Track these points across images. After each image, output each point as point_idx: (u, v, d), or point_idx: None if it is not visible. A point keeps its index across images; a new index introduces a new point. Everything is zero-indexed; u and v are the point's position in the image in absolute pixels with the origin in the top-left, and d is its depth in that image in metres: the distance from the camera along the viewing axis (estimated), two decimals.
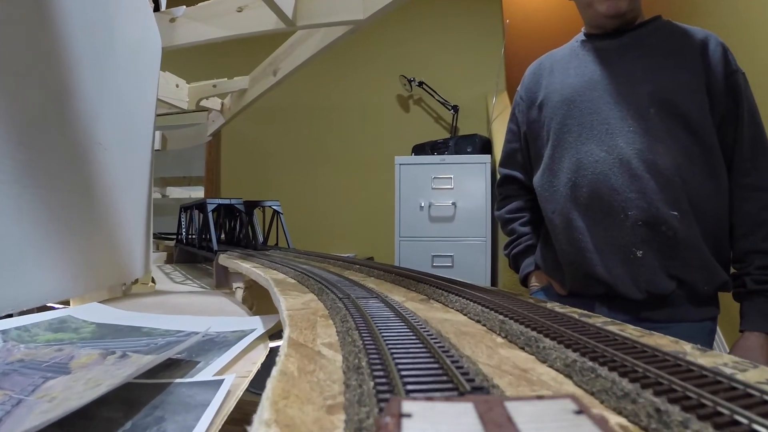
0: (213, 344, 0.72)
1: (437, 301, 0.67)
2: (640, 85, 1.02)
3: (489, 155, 2.72)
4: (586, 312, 0.60)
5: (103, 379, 0.56)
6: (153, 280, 1.54)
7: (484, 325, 0.52)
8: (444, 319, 0.55)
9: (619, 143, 1.01)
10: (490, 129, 3.03)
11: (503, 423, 0.20)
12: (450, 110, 3.17)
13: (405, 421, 0.20)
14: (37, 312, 0.99)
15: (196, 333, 0.78)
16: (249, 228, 1.56)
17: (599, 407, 0.31)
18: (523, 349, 0.44)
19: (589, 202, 1.03)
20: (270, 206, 1.69)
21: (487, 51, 3.23)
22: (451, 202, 2.65)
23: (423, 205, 2.66)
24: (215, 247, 1.43)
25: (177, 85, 2.01)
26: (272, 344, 0.71)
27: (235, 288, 1.12)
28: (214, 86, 2.04)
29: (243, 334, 0.76)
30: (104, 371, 0.60)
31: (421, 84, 3.17)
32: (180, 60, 3.33)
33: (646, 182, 0.98)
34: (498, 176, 1.38)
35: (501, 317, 0.51)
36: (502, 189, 1.36)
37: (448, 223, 2.65)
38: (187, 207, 1.81)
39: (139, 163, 1.27)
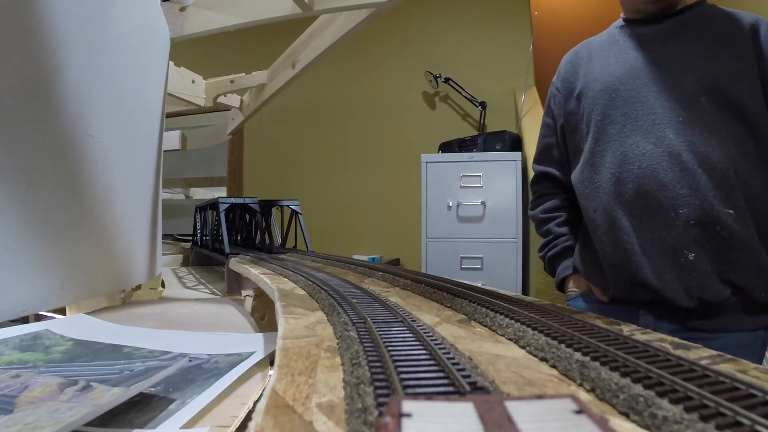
0: (200, 372, 0.57)
1: (480, 323, 0.51)
2: (687, 72, 0.93)
3: (519, 152, 2.55)
4: (682, 342, 0.43)
5: (42, 426, 0.42)
6: (163, 284, 1.41)
7: (554, 367, 0.36)
8: (495, 355, 0.39)
9: (668, 134, 0.91)
10: (519, 125, 2.85)
11: (503, 423, 0.19)
12: (477, 107, 2.99)
13: (405, 421, 0.19)
14: (20, 323, 0.85)
15: (184, 355, 0.63)
16: (264, 229, 1.42)
17: None
18: (627, 416, 0.28)
19: (635, 199, 0.93)
20: (288, 206, 1.54)
21: (514, 45, 3.05)
22: (480, 202, 2.48)
23: (451, 204, 2.49)
24: (227, 249, 1.29)
25: (193, 81, 1.88)
26: (273, 372, 0.56)
27: (245, 296, 0.98)
28: (232, 82, 1.90)
29: (239, 359, 0.61)
30: (51, 412, 0.46)
31: (447, 80, 3.00)
32: (197, 56, 3.22)
33: (698, 177, 0.88)
34: (532, 174, 1.27)
35: (578, 356, 0.35)
36: (537, 187, 1.26)
37: (477, 223, 2.48)
38: (202, 207, 1.68)
39: (142, 160, 1.13)
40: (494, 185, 2.50)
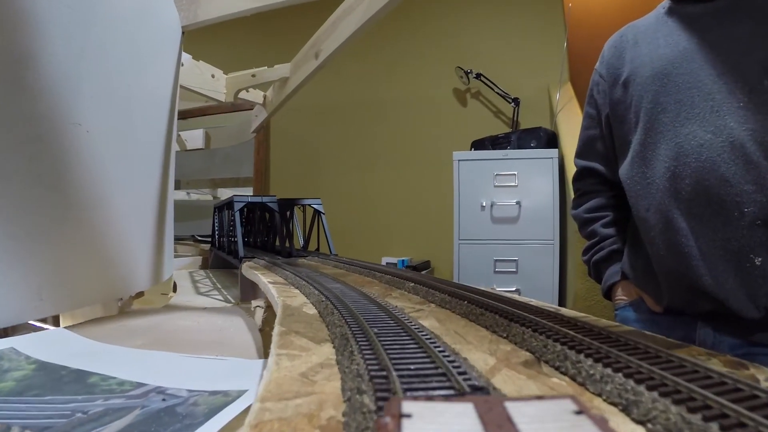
0: (171, 418, 0.42)
1: (557, 369, 0.34)
2: (746, 53, 0.83)
3: (556, 149, 2.36)
4: None
5: None
6: (175, 288, 1.27)
7: None
8: None
9: (729, 123, 0.81)
10: (554, 122, 2.66)
11: (503, 423, 0.19)
12: (510, 103, 2.80)
13: (405, 422, 0.19)
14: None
15: (160, 391, 0.48)
16: (283, 230, 1.26)
17: None
18: None
19: (694, 196, 0.83)
20: (310, 205, 1.39)
21: (548, 39, 2.85)
22: (515, 201, 2.29)
23: (484, 204, 2.31)
24: (240, 252, 1.14)
25: (213, 76, 1.74)
26: None
27: (254, 307, 0.82)
28: (253, 76, 1.76)
29: (223, 401, 0.45)
30: None
31: (478, 76, 2.82)
32: (217, 50, 3.10)
33: (764, 171, 0.78)
34: (569, 171, 1.12)
35: None
36: (580, 184, 1.14)
37: (512, 224, 2.30)
38: (220, 207, 1.54)
39: (146, 155, 0.99)
40: (530, 184, 2.32)
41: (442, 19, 3.02)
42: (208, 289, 1.24)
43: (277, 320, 0.48)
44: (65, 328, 0.75)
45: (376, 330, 0.39)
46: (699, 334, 0.86)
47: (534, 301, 0.57)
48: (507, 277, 2.27)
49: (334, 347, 0.38)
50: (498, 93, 2.82)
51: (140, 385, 0.51)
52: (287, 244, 1.24)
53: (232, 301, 1.10)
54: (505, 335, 0.43)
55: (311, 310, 0.53)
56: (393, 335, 0.38)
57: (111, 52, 0.87)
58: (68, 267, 0.77)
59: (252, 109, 2.26)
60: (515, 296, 0.62)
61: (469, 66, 2.85)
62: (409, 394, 0.26)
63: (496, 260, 2.27)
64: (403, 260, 2.69)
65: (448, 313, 0.54)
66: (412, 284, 0.68)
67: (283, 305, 0.55)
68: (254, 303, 0.85)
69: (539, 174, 2.32)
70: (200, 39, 3.53)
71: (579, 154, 1.13)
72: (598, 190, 1.10)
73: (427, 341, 0.36)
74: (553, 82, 2.79)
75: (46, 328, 0.86)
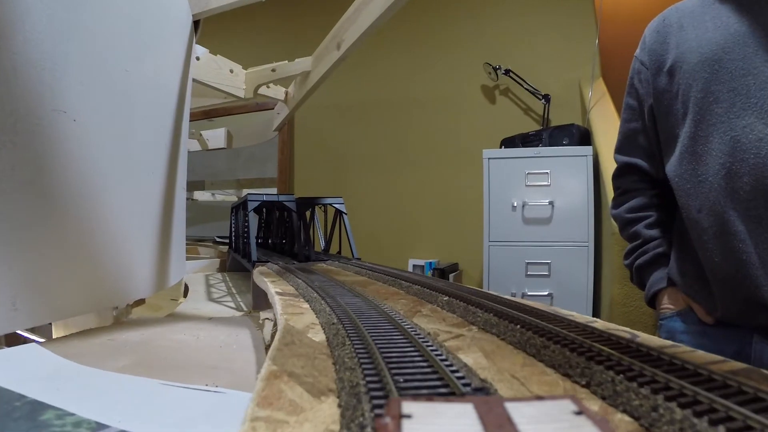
0: None
1: None
2: None
3: (590, 147, 2.19)
4: None
5: None
6: (187, 292, 1.17)
7: None
8: None
9: None
10: (587, 119, 2.49)
11: (503, 423, 0.19)
12: (541, 99, 2.64)
13: (405, 422, 0.18)
14: None
15: None
16: (301, 231, 1.14)
17: None
18: None
19: (753, 196, 0.75)
20: (331, 204, 1.27)
21: (577, 33, 2.67)
22: (547, 201, 2.13)
23: (516, 204, 2.15)
24: (253, 256, 1.03)
25: (231, 71, 1.64)
26: None
27: (263, 319, 0.70)
28: (274, 71, 1.65)
29: None
30: None
31: (507, 72, 2.66)
32: (236, 47, 3.01)
33: None
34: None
35: None
36: (620, 181, 1.05)
37: (545, 225, 2.14)
38: (236, 206, 1.43)
39: (148, 150, 0.88)
40: (563, 183, 2.16)
41: (469, 15, 2.87)
42: (220, 295, 1.13)
43: (269, 352, 0.35)
44: (43, 343, 0.63)
45: (401, 381, 0.26)
46: (755, 350, 0.79)
47: (611, 326, 0.44)
48: (539, 280, 2.12)
49: (339, 406, 0.25)
50: (527, 89, 2.67)
51: (100, 427, 0.39)
52: (305, 247, 1.12)
53: (244, 309, 0.99)
54: (584, 382, 0.29)
55: (318, 336, 0.40)
56: (425, 386, 0.25)
57: (106, 33, 0.76)
58: (49, 273, 0.66)
59: (273, 109, 2.16)
60: (580, 317, 0.48)
61: (498, 62, 2.70)
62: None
63: (528, 263, 2.12)
64: (430, 262, 2.55)
65: (496, 342, 0.40)
66: (446, 298, 0.55)
67: (284, 328, 0.42)
68: (263, 315, 0.73)
69: (573, 172, 2.16)
70: (217, 33, 3.46)
71: (619, 149, 1.04)
72: (640, 188, 1.01)
73: (477, 387, 0.24)
74: (584, 78, 2.63)
75: (34, 340, 0.75)
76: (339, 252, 1.31)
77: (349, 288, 0.63)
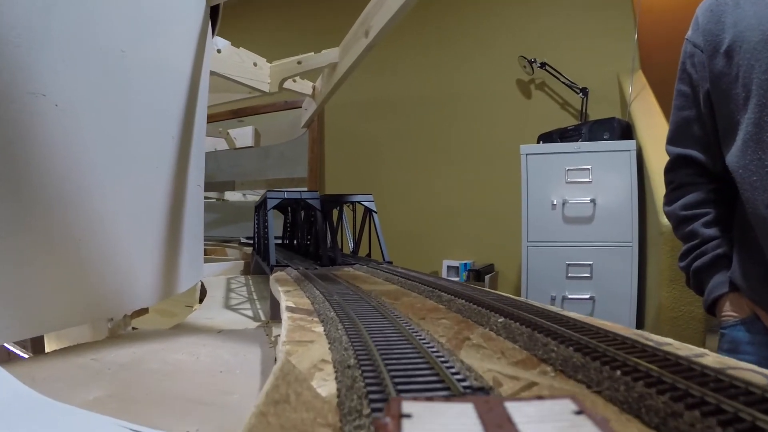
0: None
1: None
2: None
3: (633, 141, 2.01)
4: None
5: None
6: (203, 296, 1.05)
7: None
8: None
9: None
10: (628, 112, 2.30)
11: (503, 423, 0.18)
12: (578, 93, 2.46)
13: (405, 422, 0.18)
14: None
15: None
16: (326, 232, 1.02)
17: None
18: None
19: None
20: (360, 202, 1.14)
21: (614, 25, 2.48)
22: (589, 199, 1.96)
23: (555, 202, 1.98)
24: (272, 259, 0.90)
25: (255, 64, 1.53)
26: None
27: (275, 337, 0.58)
28: (299, 63, 1.54)
29: None
30: None
31: (543, 65, 2.49)
32: (260, 40, 2.91)
33: None
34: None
35: None
36: (674, 175, 0.95)
37: (586, 224, 1.96)
38: (258, 205, 1.31)
39: (152, 143, 0.77)
40: (605, 180, 1.98)
41: (502, 7, 2.71)
42: (239, 301, 1.01)
43: (247, 420, 0.22)
44: (11, 362, 0.52)
45: None
46: None
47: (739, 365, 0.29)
48: (580, 283, 1.95)
49: None
50: (564, 83, 2.49)
51: None
52: (330, 249, 0.99)
53: (262, 318, 0.86)
54: None
55: (326, 385, 0.27)
56: None
57: (97, 7, 0.65)
58: (30, 282, 0.55)
59: (300, 108, 2.05)
60: (683, 345, 0.34)
61: (533, 55, 2.53)
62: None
63: (569, 264, 1.95)
64: (465, 263, 2.40)
65: (589, 397, 0.26)
66: (501, 319, 0.41)
67: (280, 370, 0.29)
68: (275, 331, 0.61)
69: (615, 168, 1.98)
70: (240, 26, 3.37)
71: (671, 140, 0.95)
72: (696, 182, 0.92)
73: None
74: (622, 70, 2.43)
75: (18, 355, 0.64)
76: (369, 254, 1.18)
77: (376, 303, 0.50)
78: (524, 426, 0.18)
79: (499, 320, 0.42)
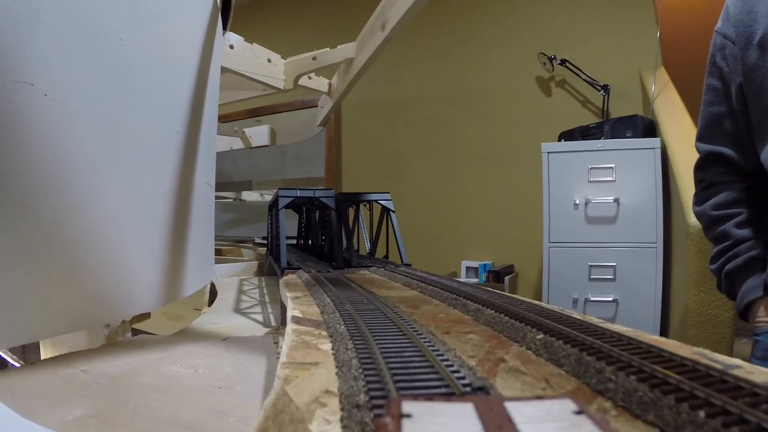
0: None
1: None
2: None
3: (657, 139, 1.92)
4: None
5: None
6: (213, 299, 1.00)
7: None
8: None
9: None
10: (651, 109, 2.21)
11: (503, 423, 0.18)
12: (599, 90, 2.36)
13: (405, 422, 0.18)
14: None
15: None
16: (340, 232, 0.95)
17: None
18: None
19: None
20: (377, 201, 1.07)
21: (636, 21, 2.38)
22: (612, 199, 1.87)
23: (578, 202, 1.90)
24: (283, 261, 0.84)
25: (269, 60, 1.47)
26: None
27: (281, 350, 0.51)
28: (314, 59, 1.47)
29: None
30: None
31: (563, 62, 2.40)
32: (274, 36, 2.85)
33: None
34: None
35: None
36: (705, 173, 0.91)
37: (610, 224, 1.87)
38: (271, 205, 1.25)
39: (154, 138, 0.71)
40: (629, 179, 1.90)
41: (521, 3, 2.62)
42: (250, 305, 0.95)
43: None
44: None
45: None
46: None
47: None
48: (603, 285, 1.86)
49: None
50: (585, 80, 2.39)
51: None
52: (345, 251, 0.93)
53: (273, 323, 0.80)
54: None
55: (328, 429, 0.21)
56: None
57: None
58: (17, 287, 0.50)
59: (316, 107, 1.99)
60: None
61: (552, 52, 2.44)
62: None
63: (591, 266, 1.86)
64: (484, 264, 2.32)
65: None
66: (541, 336, 0.34)
67: (272, 405, 0.23)
68: (283, 341, 0.54)
69: (639, 167, 1.90)
70: (254, 22, 3.32)
71: (701, 137, 0.90)
72: (727, 181, 0.87)
73: None
74: (644, 67, 2.34)
75: (8, 363, 0.59)
76: (386, 256, 1.11)
77: (393, 313, 0.43)
78: (524, 426, 0.17)
79: (538, 337, 0.35)
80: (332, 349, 0.33)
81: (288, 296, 0.56)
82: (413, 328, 0.37)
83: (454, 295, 0.52)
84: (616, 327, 0.41)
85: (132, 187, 0.65)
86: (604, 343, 0.33)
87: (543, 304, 0.50)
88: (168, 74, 0.75)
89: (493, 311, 0.43)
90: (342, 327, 0.38)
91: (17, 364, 0.60)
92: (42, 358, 0.64)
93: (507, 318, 0.40)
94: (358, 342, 0.33)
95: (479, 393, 0.25)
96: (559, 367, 0.31)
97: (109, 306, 0.60)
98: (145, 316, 0.76)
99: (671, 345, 0.36)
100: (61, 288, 0.55)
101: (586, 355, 0.31)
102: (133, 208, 0.65)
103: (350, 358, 0.30)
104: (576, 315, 0.45)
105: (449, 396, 0.24)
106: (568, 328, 0.37)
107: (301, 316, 0.45)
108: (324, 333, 0.38)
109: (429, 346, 0.32)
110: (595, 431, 0.17)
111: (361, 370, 0.27)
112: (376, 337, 0.34)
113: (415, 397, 0.20)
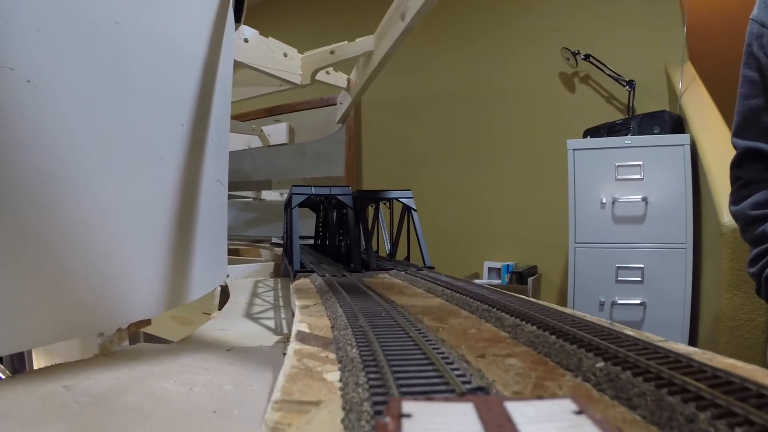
0: None
1: None
2: None
3: (687, 135, 1.81)
4: None
5: None
6: (224, 302, 0.94)
7: None
8: None
9: None
10: (679, 105, 2.10)
11: (503, 423, 0.17)
12: (624, 86, 2.25)
13: (405, 422, 0.17)
14: None
15: None
16: (358, 232, 0.88)
17: None
18: None
19: None
20: (397, 199, 1.00)
21: (661, 14, 2.28)
22: (640, 198, 1.77)
23: (605, 201, 1.80)
24: (296, 264, 0.78)
25: (285, 55, 1.41)
26: None
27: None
28: (332, 53, 1.41)
29: None
30: None
31: (587, 57, 2.29)
32: (294, 32, 2.79)
33: None
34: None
35: None
36: (742, 170, 0.86)
37: (638, 224, 1.77)
38: (286, 203, 1.19)
39: (154, 132, 0.65)
40: (657, 176, 1.80)
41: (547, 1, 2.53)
42: (262, 309, 0.89)
43: None
44: None
45: None
46: None
47: None
48: (631, 287, 1.76)
49: None
50: (609, 75, 2.29)
51: None
52: (363, 253, 0.86)
53: (285, 330, 0.74)
54: None
55: None
56: None
57: None
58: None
59: (335, 105, 1.93)
60: None
61: (576, 47, 2.34)
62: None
63: (619, 267, 1.76)
64: (507, 265, 2.23)
65: None
66: (602, 363, 0.26)
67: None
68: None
69: (668, 164, 1.79)
70: (270, 15, 3.26)
71: (738, 132, 0.85)
72: (766, 179, 0.82)
73: None
74: (670, 62, 2.23)
75: None
76: (407, 257, 1.04)
77: (416, 333, 0.36)
78: (524, 426, 0.17)
79: (598, 365, 0.27)
80: (340, 380, 0.26)
81: (297, 304, 0.49)
82: (441, 353, 0.30)
83: (486, 305, 0.45)
84: (680, 347, 0.34)
85: (129, 182, 0.59)
86: (678, 374, 0.25)
87: (586, 315, 0.42)
88: (171, 63, 0.68)
89: (535, 328, 0.35)
90: (354, 350, 0.30)
91: (2, 376, 0.54)
92: (35, 368, 0.58)
93: (553, 337, 0.33)
94: (371, 374, 0.26)
95: (479, 393, 0.24)
96: (632, 410, 0.24)
97: (102, 313, 0.54)
98: (146, 322, 0.70)
99: (757, 374, 0.28)
100: (46, 293, 0.48)
101: (666, 394, 0.23)
102: (131, 205, 0.59)
103: (361, 399, 0.22)
104: (628, 330, 0.38)
105: (449, 396, 0.23)
106: (630, 352, 0.29)
107: (307, 331, 0.38)
108: (332, 356, 0.31)
109: (463, 381, 0.24)
110: (595, 431, 0.17)
111: (375, 421, 0.20)
112: (395, 368, 0.26)
113: (416, 397, 0.20)
